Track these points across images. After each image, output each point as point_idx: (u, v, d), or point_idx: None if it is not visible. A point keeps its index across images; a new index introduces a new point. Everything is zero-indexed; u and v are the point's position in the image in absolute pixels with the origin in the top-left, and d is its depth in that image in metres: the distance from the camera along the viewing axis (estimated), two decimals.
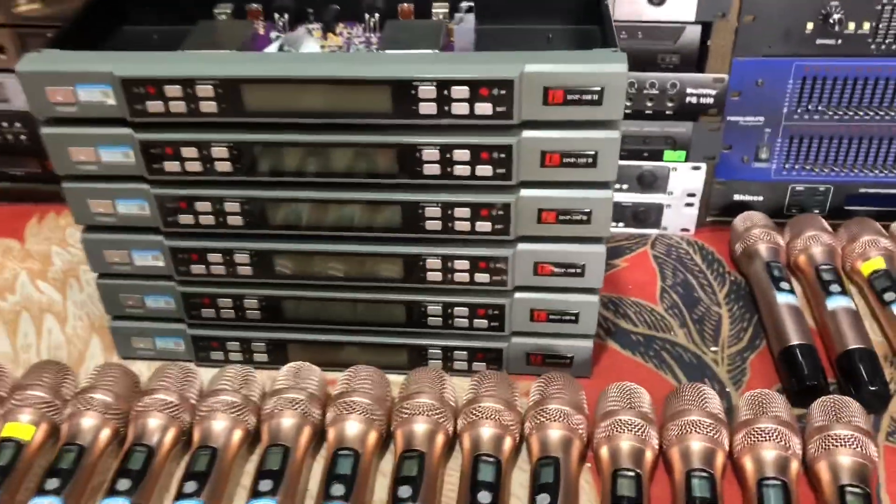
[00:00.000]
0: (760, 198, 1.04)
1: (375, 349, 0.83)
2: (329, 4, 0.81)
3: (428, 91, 0.67)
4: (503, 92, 0.67)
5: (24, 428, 0.74)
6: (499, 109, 0.68)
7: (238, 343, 0.84)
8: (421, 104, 0.68)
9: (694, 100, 0.96)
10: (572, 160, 0.70)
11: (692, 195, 1.02)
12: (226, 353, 0.85)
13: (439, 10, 0.81)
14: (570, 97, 0.67)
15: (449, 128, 0.69)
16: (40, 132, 0.72)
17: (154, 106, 0.69)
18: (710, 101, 0.95)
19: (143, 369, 0.86)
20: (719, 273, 0.99)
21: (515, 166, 0.71)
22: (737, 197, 1.04)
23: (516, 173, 0.71)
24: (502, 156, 0.70)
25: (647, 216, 1.04)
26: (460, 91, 0.67)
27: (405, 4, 0.80)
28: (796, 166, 1.01)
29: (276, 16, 0.80)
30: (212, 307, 0.82)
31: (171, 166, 0.72)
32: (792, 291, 0.89)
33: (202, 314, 0.82)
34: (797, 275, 0.96)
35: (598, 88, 0.66)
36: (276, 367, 0.83)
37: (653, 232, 1.05)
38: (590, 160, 0.70)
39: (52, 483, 0.69)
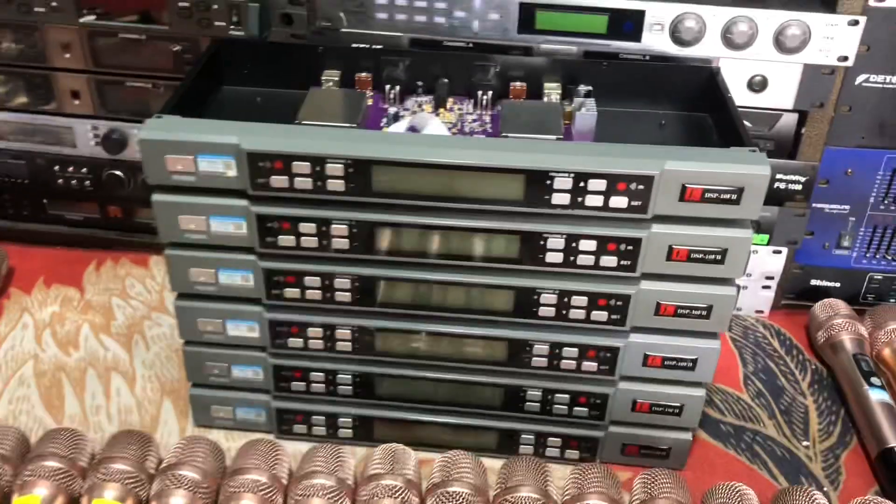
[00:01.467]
0: (837, 284, 1.03)
1: (464, 430, 0.81)
2: (438, 78, 0.80)
3: (564, 182, 0.65)
4: (641, 187, 0.65)
5: None
6: (634, 204, 0.66)
7: (324, 417, 0.81)
8: (554, 195, 0.66)
9: (783, 185, 0.95)
10: (700, 256, 0.69)
11: (770, 278, 1.01)
12: (309, 427, 0.82)
13: (552, 90, 0.79)
14: (707, 195, 0.66)
15: (578, 218, 0.68)
16: (152, 199, 0.69)
17: (278, 181, 0.67)
18: (799, 187, 0.95)
19: (220, 438, 0.83)
20: (799, 360, 0.98)
21: (641, 259, 0.69)
22: (813, 282, 1.03)
23: (640, 265, 0.69)
24: (629, 248, 0.69)
25: None
26: (597, 184, 0.65)
27: (517, 84, 0.79)
28: (877, 255, 1.00)
29: (387, 87, 0.78)
30: (303, 380, 0.79)
31: (286, 240, 0.70)
32: (883, 387, 0.88)
33: (291, 387, 0.79)
34: (880, 367, 0.94)
35: (738, 189, 0.65)
36: (360, 444, 0.81)
37: None
38: (718, 257, 0.68)
39: None
